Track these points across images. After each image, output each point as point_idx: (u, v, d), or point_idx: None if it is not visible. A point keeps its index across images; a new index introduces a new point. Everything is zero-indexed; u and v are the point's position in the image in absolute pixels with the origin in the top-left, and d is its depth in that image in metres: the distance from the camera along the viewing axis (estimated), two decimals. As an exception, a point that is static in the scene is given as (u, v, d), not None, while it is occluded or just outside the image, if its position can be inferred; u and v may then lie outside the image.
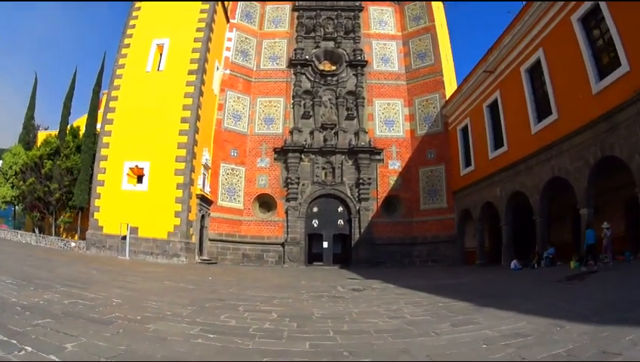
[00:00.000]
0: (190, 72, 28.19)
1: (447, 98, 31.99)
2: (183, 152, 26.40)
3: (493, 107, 25.15)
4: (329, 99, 34.53)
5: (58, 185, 28.76)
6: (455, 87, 33.02)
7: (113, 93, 28.21)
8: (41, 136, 34.77)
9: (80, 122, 33.65)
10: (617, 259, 15.63)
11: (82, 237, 26.78)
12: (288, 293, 11.38)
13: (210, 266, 25.77)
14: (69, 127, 33.22)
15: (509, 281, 13.53)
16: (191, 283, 13.30)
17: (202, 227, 28.95)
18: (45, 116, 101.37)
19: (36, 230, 29.92)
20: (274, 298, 10.06)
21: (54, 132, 34.00)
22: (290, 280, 17.35)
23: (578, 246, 16.75)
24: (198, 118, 27.57)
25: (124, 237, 24.52)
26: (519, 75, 21.72)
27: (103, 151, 26.94)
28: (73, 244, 26.42)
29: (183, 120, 27.06)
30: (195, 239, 27.17)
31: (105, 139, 27.16)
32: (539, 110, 20.27)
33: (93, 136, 29.81)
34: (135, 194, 25.95)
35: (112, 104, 27.93)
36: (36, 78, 44.50)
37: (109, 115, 27.65)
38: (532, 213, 20.43)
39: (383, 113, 34.18)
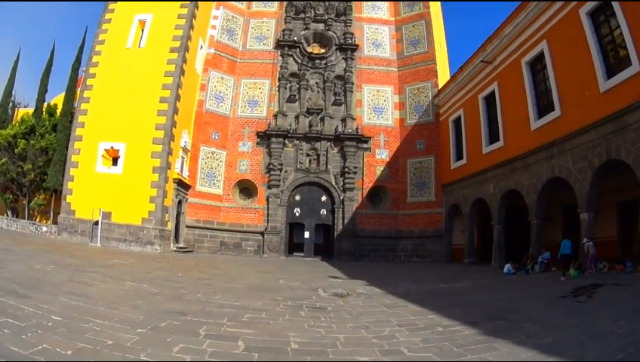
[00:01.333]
0: (172, 50, 26.77)
1: (440, 87, 30.80)
2: (160, 134, 25.10)
3: (490, 99, 24.02)
4: (316, 83, 33.15)
5: (32, 166, 27.36)
6: (448, 76, 31.87)
7: (91, 70, 26.77)
8: (21, 113, 33.10)
9: (58, 100, 31.95)
10: (616, 269, 14.71)
11: (56, 221, 25.45)
12: (263, 301, 10.20)
13: (185, 256, 24.56)
14: (45, 104, 31.58)
15: (508, 292, 12.44)
16: (156, 282, 12.03)
17: (179, 213, 27.62)
18: (28, 93, 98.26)
19: (9, 212, 28.52)
20: (245, 310, 8.88)
21: (32, 110, 32.38)
22: (267, 277, 16.22)
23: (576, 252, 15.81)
24: (178, 98, 26.17)
25: (96, 223, 23.45)
26: (520, 67, 20.56)
27: (78, 131, 25.56)
28: (45, 229, 25.26)
29: (162, 100, 25.67)
30: (170, 226, 25.91)
31: (80, 118, 25.79)
32: (540, 105, 19.19)
33: (70, 114, 28.33)
34: (109, 177, 24.73)
35: (89, 81, 26.50)
36: (19, 53, 40.41)
37: (86, 93, 26.24)
38: (526, 212, 19.48)
39: (372, 100, 32.94)
